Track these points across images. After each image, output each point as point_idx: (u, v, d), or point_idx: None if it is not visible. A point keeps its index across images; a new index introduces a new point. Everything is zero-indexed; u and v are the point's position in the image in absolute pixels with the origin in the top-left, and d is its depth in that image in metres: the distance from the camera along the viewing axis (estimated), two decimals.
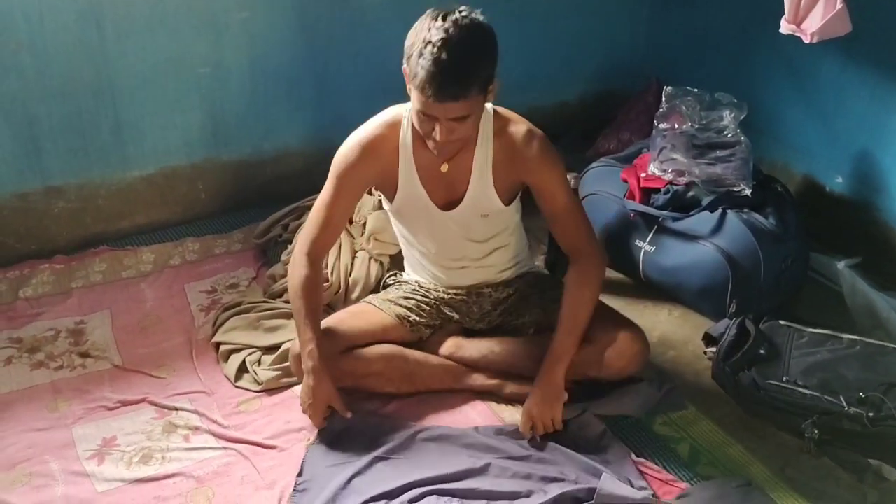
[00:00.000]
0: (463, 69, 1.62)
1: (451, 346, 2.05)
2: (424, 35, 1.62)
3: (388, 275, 2.27)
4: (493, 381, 2.00)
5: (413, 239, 2.04)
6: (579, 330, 1.87)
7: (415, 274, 2.14)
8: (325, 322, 1.94)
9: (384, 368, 1.94)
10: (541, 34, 3.02)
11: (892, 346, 2.06)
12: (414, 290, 2.10)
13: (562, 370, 1.85)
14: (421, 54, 1.61)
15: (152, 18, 2.40)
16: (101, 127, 2.46)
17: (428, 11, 1.67)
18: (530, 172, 1.88)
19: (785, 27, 2.00)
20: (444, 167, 1.86)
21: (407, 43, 1.67)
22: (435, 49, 1.59)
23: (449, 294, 2.08)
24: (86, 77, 2.38)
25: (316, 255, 1.92)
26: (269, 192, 2.72)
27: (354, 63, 2.75)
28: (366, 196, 2.35)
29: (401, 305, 2.05)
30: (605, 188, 2.50)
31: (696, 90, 2.42)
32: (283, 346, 2.04)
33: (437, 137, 1.70)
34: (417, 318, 2.04)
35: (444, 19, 1.62)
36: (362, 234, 2.37)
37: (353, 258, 2.31)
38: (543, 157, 1.87)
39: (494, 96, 1.78)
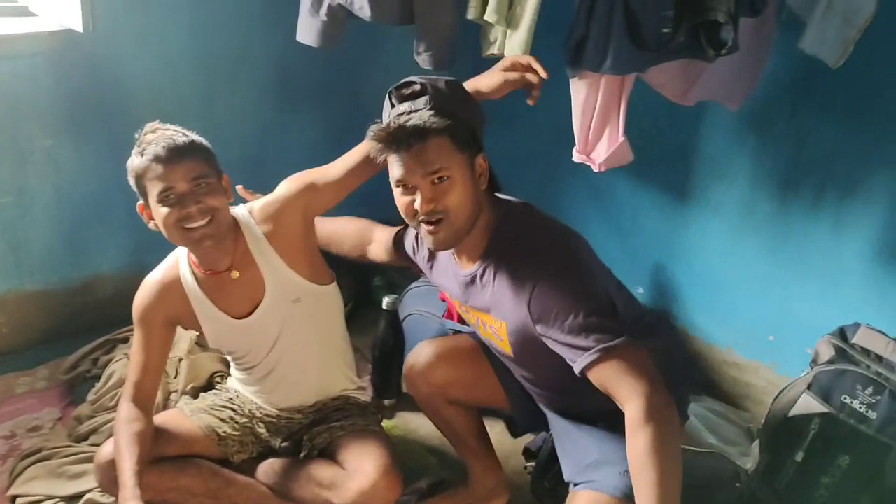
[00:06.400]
0: None
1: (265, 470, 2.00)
2: None
3: (215, 372, 2.19)
4: None
5: (248, 374, 2.02)
6: None
7: (238, 384, 2.11)
8: None
9: (190, 484, 1.88)
10: None
11: (694, 449, 2.18)
12: (231, 398, 2.07)
13: None
14: None
15: None
16: None
17: None
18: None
19: (576, 156, 2.16)
20: (235, 274, 1.86)
21: None
22: None
23: (262, 412, 2.05)
24: None
25: (141, 401, 1.87)
26: (80, 323, 2.60)
27: None
28: (181, 331, 2.28)
29: (214, 416, 2.00)
30: (424, 308, 2.55)
31: None
32: (86, 497, 1.91)
33: None
34: (230, 432, 1.99)
35: None
36: (177, 373, 2.29)
37: (167, 399, 2.23)
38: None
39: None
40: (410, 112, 1.56)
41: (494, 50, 2.07)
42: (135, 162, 1.74)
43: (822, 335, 2.09)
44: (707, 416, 2.36)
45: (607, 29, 1.85)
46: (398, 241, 1.98)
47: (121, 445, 1.79)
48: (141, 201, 1.79)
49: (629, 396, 1.50)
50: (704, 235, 2.55)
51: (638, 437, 1.47)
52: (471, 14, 2.04)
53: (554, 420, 1.89)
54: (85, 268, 2.64)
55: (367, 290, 2.98)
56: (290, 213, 1.87)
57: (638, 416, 1.47)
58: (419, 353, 1.96)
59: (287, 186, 1.89)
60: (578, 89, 2.05)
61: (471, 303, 1.76)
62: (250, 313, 1.90)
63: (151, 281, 1.91)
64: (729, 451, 2.24)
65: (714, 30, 1.84)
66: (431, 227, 1.59)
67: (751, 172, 2.38)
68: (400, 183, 1.59)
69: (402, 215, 1.65)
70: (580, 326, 1.55)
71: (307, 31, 2.27)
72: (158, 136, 1.73)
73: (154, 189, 1.72)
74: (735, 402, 2.52)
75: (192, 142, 1.76)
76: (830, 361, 2.03)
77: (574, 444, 1.80)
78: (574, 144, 2.15)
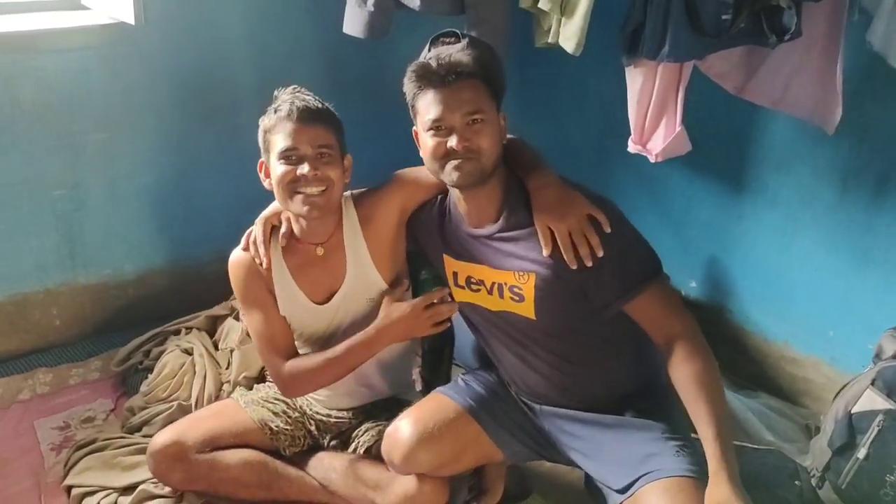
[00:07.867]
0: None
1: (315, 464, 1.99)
2: None
3: None
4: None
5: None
6: None
7: None
8: (185, 419, 1.96)
9: (241, 474, 1.90)
10: None
11: (752, 446, 2.14)
12: None
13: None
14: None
15: (4, 139, 2.33)
16: None
17: None
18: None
19: (632, 147, 2.12)
20: (320, 250, 1.86)
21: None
22: None
23: (313, 410, 2.05)
24: None
25: (286, 356, 1.89)
26: (132, 315, 2.63)
27: (222, 179, 2.72)
28: (233, 322, 2.29)
29: (267, 409, 2.01)
30: None
31: None
32: (140, 488, 1.92)
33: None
34: (282, 426, 1.99)
35: None
36: (228, 363, 2.29)
37: (220, 390, 2.23)
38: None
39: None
40: (450, 53, 1.62)
41: (549, 39, 2.03)
42: (267, 118, 1.78)
43: (884, 329, 2.03)
44: (765, 412, 2.31)
45: (665, 15, 1.81)
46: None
47: (310, 364, 1.84)
48: (262, 158, 1.81)
49: (681, 331, 1.63)
50: (761, 227, 2.48)
51: (691, 364, 1.59)
52: (524, 2, 2.01)
53: (572, 436, 1.82)
54: (138, 261, 2.67)
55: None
56: (388, 208, 1.87)
57: (689, 348, 1.61)
58: (397, 438, 1.81)
59: (392, 179, 1.89)
60: (634, 78, 2.01)
61: (489, 262, 1.74)
62: (327, 300, 1.89)
63: (237, 256, 1.89)
64: (787, 448, 2.18)
65: (776, 15, 1.79)
66: (460, 161, 1.62)
67: (810, 162, 2.31)
68: (435, 124, 1.62)
69: (429, 157, 1.67)
70: (634, 257, 1.69)
71: (354, 22, 2.25)
72: (296, 96, 1.77)
73: (278, 145, 1.74)
74: (793, 398, 2.45)
75: (327, 110, 1.80)
76: (895, 356, 1.97)
77: (608, 452, 1.75)
78: (627, 134, 2.11)
